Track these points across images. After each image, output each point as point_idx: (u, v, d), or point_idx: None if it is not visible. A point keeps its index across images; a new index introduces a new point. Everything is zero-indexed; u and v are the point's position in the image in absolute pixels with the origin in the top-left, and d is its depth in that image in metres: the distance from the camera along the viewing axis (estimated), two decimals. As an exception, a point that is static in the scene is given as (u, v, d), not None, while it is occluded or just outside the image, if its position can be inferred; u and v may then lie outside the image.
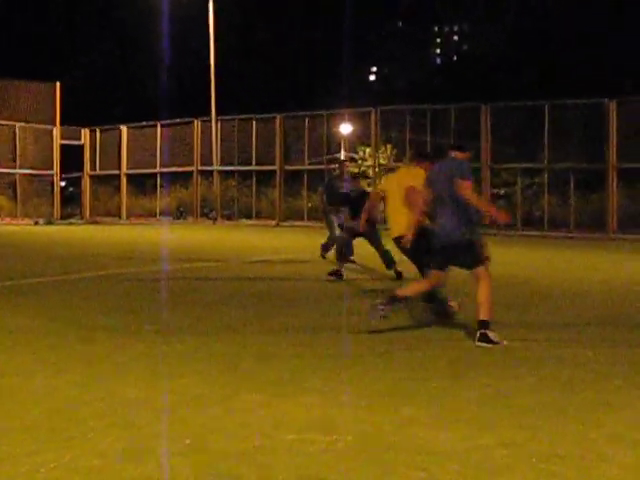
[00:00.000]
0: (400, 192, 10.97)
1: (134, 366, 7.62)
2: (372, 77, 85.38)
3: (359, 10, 67.66)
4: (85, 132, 43.75)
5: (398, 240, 10.73)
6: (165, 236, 27.45)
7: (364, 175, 36.75)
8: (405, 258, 11.35)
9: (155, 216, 40.56)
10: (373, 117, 35.60)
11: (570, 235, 27.36)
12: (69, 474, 4.81)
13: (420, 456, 5.15)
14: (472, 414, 6.15)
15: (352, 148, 38.55)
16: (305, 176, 37.00)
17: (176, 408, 6.22)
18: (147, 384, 6.94)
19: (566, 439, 5.55)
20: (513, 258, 20.30)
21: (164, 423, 5.86)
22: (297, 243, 25.49)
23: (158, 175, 41.19)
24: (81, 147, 43.67)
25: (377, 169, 35.71)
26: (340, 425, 5.83)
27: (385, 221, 11.99)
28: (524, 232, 30.51)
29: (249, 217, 38.35)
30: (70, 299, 12.31)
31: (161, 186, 41.27)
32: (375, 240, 14.91)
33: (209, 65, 41.55)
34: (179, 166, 40.15)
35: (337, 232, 16.44)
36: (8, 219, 39.03)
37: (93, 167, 43.78)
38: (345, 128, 38.59)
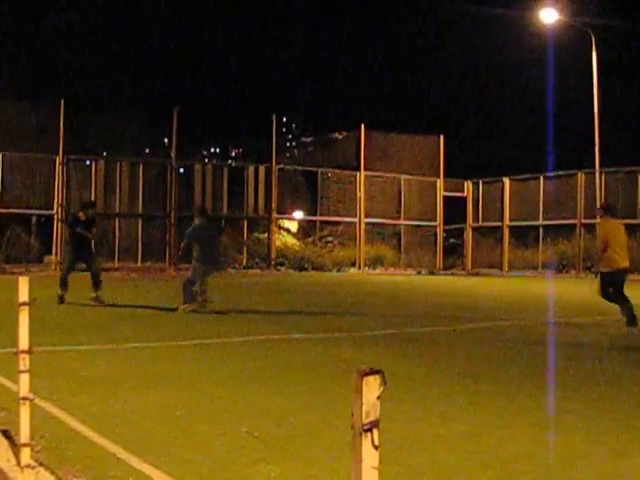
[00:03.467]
0: (621, 237, 15.50)
1: (522, 418, 7.60)
2: None
3: None
4: (468, 184, 44.48)
5: (625, 271, 15.41)
6: (546, 290, 27.15)
7: None
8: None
9: (536, 269, 40.25)
10: None
11: None
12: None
13: None
14: None
15: None
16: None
17: (560, 464, 6.12)
18: (532, 440, 6.88)
19: None
20: None
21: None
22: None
23: (540, 227, 40.95)
24: (464, 199, 44.40)
25: None
26: None
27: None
28: None
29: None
30: (454, 349, 12.52)
31: (543, 238, 40.96)
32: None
33: (593, 115, 40.84)
34: (562, 219, 39.67)
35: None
36: (392, 269, 40.40)
37: (475, 219, 44.34)
38: None
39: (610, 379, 10.06)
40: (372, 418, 2.69)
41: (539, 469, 6.04)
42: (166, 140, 39.33)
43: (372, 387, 2.68)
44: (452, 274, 40.02)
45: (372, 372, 2.70)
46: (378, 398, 2.73)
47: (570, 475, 5.90)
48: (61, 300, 18.00)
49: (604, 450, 6.57)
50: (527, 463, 6.15)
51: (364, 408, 2.66)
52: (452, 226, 45.59)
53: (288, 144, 65.59)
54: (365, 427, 2.67)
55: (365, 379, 2.67)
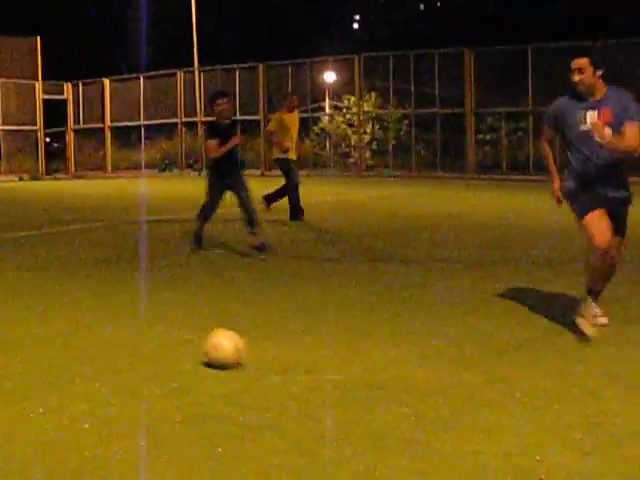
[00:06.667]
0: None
1: (121, 314, 7.66)
2: (356, 25, 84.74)
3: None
4: (68, 86, 43.35)
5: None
6: (146, 189, 27.19)
7: (349, 124, 36.56)
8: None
9: (140, 169, 40.24)
10: (356, 65, 35.27)
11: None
12: (57, 418, 4.85)
13: (405, 393, 5.20)
14: (456, 352, 6.19)
15: (337, 97, 38.23)
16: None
17: (164, 353, 6.26)
18: (134, 330, 6.97)
19: (550, 375, 5.60)
20: (497, 202, 20.33)
21: (151, 368, 5.89)
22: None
23: (142, 127, 40.90)
24: (64, 101, 43.29)
25: (362, 117, 35.52)
26: (325, 366, 5.86)
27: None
28: (509, 176, 30.42)
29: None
30: (55, 251, 12.30)
31: (145, 138, 40.98)
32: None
33: (191, 14, 41.01)
34: (163, 118, 39.88)
35: None
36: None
37: (77, 121, 43.46)
38: (329, 76, 38.27)
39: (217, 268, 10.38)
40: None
41: (141, 357, 6.13)
42: None
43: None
44: (55, 178, 39.04)
45: None
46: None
47: (170, 360, 6.03)
48: None
49: (202, 336, 6.80)
50: (131, 354, 6.21)
51: None
52: (53, 129, 44.35)
53: None
54: None
55: None
